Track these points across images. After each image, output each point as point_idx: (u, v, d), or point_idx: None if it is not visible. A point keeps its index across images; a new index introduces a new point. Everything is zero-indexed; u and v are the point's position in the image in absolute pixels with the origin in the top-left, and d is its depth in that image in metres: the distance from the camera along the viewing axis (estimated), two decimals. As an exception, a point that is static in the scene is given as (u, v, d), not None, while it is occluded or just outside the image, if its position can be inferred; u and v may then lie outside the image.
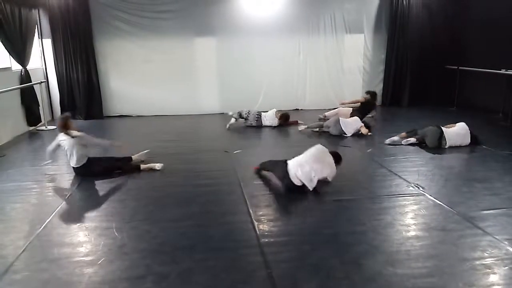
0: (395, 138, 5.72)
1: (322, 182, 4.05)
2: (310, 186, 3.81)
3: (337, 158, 4.19)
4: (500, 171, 4.49)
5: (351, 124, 6.30)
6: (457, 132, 5.49)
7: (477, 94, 8.18)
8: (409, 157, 5.06)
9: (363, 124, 6.30)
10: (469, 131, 5.50)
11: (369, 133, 6.16)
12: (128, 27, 7.91)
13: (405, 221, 3.32)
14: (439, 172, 4.51)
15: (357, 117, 6.47)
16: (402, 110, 8.60)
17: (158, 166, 4.73)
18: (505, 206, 3.55)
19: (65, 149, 4.46)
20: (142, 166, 4.72)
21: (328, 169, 3.98)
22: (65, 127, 4.49)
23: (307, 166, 3.84)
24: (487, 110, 7.66)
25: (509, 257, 2.71)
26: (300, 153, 4.06)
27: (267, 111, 7.15)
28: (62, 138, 4.47)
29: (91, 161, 4.54)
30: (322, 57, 8.61)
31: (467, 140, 5.47)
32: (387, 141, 5.71)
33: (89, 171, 4.50)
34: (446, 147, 5.39)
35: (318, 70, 8.66)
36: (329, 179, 4.02)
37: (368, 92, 7.19)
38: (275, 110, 7.14)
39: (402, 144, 5.57)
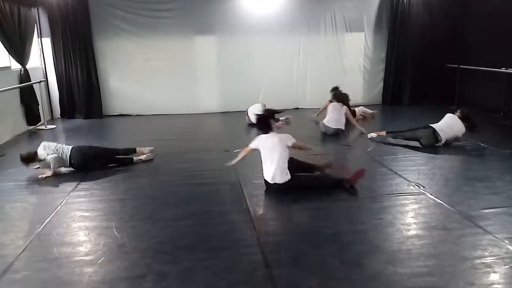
0: (374, 134, 5.85)
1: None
2: (286, 179, 3.82)
3: (263, 121, 4.07)
4: (500, 170, 4.48)
5: (334, 116, 6.22)
6: (446, 123, 5.43)
7: (478, 93, 8.16)
8: (410, 156, 5.05)
9: (346, 106, 6.33)
10: (458, 120, 5.42)
11: (362, 130, 6.15)
12: (127, 26, 7.90)
13: (405, 220, 3.31)
14: (440, 171, 4.50)
15: (335, 104, 6.38)
16: (403, 109, 8.58)
17: (148, 149, 5.07)
18: (506, 205, 3.54)
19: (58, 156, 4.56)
20: (135, 159, 4.94)
21: (282, 141, 3.89)
22: (30, 161, 4.51)
23: (274, 165, 3.83)
24: (488, 109, 7.64)
25: (510, 256, 2.71)
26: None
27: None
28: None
29: (88, 153, 4.70)
30: (322, 56, 8.60)
31: (459, 127, 5.39)
32: (369, 135, 5.87)
33: (86, 163, 4.64)
34: (443, 142, 5.34)
35: (318, 69, 8.65)
36: (290, 144, 3.93)
37: (331, 90, 7.00)
38: (260, 104, 6.90)
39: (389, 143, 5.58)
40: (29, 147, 5.97)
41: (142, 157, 5.01)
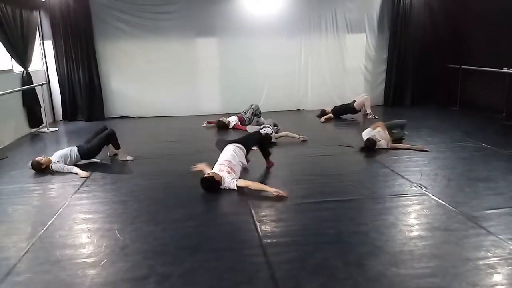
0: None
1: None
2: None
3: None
4: (503, 170, 4.47)
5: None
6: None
7: (480, 93, 8.15)
8: (412, 157, 5.04)
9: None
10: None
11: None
12: (129, 28, 7.92)
13: (408, 221, 3.31)
14: (442, 171, 4.49)
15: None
16: (405, 110, 8.52)
17: (129, 158, 5.20)
18: (509, 205, 3.52)
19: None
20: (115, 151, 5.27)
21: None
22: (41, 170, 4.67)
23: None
24: (490, 109, 7.63)
25: (513, 256, 2.70)
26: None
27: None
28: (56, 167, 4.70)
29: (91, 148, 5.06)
30: (324, 57, 8.60)
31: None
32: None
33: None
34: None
35: (320, 70, 8.65)
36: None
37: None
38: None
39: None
40: (31, 150, 6.00)
41: (119, 156, 5.24)
